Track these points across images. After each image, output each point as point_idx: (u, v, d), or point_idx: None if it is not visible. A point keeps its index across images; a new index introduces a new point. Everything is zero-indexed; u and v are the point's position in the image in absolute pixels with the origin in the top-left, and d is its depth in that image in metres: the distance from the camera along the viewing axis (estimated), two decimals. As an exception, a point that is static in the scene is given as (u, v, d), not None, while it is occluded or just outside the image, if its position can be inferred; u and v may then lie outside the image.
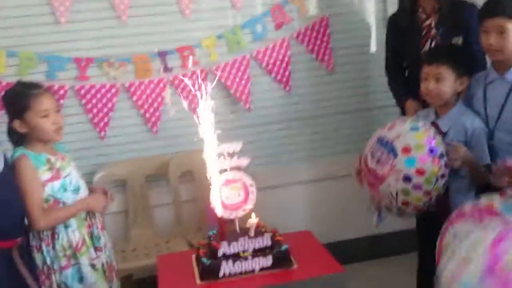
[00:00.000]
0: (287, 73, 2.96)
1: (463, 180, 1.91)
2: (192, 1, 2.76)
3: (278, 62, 2.93)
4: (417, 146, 1.82)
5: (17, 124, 1.88)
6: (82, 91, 2.67)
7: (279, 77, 2.95)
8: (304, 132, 3.04)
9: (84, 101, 2.67)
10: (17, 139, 1.92)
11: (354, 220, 3.00)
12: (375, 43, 2.98)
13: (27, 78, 2.31)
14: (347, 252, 2.66)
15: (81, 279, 1.93)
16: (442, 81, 1.95)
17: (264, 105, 2.96)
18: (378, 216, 2.00)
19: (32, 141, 1.91)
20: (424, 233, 2.20)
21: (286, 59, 2.94)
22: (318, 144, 3.07)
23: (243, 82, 2.88)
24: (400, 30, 2.44)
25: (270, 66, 2.93)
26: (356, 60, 3.05)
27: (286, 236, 1.94)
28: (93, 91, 2.68)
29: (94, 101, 2.68)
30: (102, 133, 2.72)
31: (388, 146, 1.86)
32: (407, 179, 1.80)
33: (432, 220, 2.00)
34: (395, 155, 1.83)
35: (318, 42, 2.98)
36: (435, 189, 1.82)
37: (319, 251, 1.99)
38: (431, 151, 1.81)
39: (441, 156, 1.82)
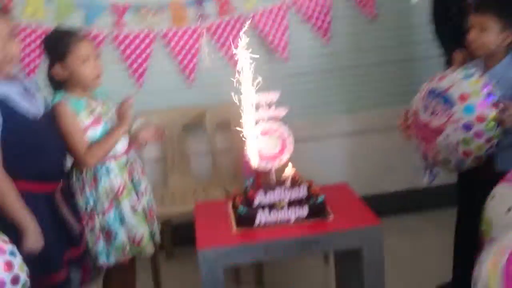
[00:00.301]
0: (326, 21, 2.86)
1: (508, 137, 1.84)
2: None
3: (317, 10, 2.83)
4: (474, 92, 1.74)
5: (57, 68, 1.90)
6: (119, 38, 2.66)
7: (318, 25, 2.86)
8: (343, 83, 2.97)
9: (121, 48, 2.67)
10: (57, 84, 1.94)
11: (392, 173, 2.97)
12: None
13: (64, 24, 2.31)
14: (384, 204, 2.65)
15: (122, 221, 1.98)
16: (486, 31, 1.86)
17: (301, 55, 2.89)
18: (430, 172, 1.95)
19: (71, 86, 1.93)
20: (464, 190, 2.15)
21: (325, 7, 2.83)
22: (358, 96, 3.00)
23: (281, 30, 2.81)
24: None
25: (309, 14, 2.84)
26: (399, 8, 2.93)
27: (323, 188, 1.93)
28: (130, 38, 2.67)
29: (131, 47, 2.68)
30: (140, 80, 2.73)
31: (442, 97, 1.80)
32: (467, 127, 1.74)
33: (473, 177, 1.96)
34: (452, 104, 1.76)
35: (361, -12, 2.86)
36: (496, 135, 1.75)
37: (356, 203, 1.98)
38: (489, 96, 1.74)
39: (498, 102, 1.75)
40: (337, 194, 2.00)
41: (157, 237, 2.13)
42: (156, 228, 2.12)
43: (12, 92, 1.69)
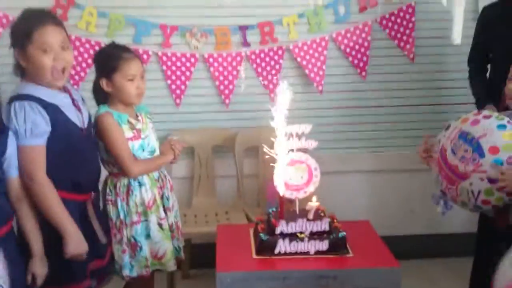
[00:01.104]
0: (364, 58, 2.90)
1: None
2: (279, -23, 2.77)
3: (357, 46, 2.88)
4: (505, 146, 1.74)
5: (103, 82, 1.99)
6: (164, 58, 2.77)
7: (356, 61, 2.91)
8: (375, 121, 2.99)
9: (164, 67, 2.77)
10: (101, 97, 2.03)
11: (414, 216, 2.95)
12: (461, 36, 2.83)
13: (115, 40, 2.42)
14: (404, 247, 2.62)
15: (148, 236, 2.03)
16: None
17: (336, 89, 2.93)
18: (445, 205, 1.95)
19: (115, 101, 2.02)
20: (482, 238, 2.13)
21: (365, 43, 2.89)
22: (387, 134, 3.01)
23: (319, 63, 2.87)
24: (491, 22, 2.32)
25: (348, 49, 2.89)
26: (438, 52, 2.95)
27: (345, 224, 1.94)
28: (173, 59, 2.77)
29: (173, 68, 2.78)
30: (178, 100, 2.82)
31: (473, 144, 1.80)
32: (492, 180, 1.74)
33: (492, 225, 1.94)
34: (482, 154, 1.77)
35: (402, 29, 2.90)
36: None
37: (376, 242, 1.99)
38: None
39: None
40: (358, 231, 2.01)
41: (181, 254, 2.17)
42: (181, 244, 2.17)
43: (63, 103, 1.78)
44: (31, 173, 1.69)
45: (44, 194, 1.71)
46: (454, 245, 2.88)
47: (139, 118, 2.08)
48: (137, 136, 2.02)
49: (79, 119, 1.83)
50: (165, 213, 2.08)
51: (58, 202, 1.73)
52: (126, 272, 2.00)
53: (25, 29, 1.69)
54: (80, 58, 2.69)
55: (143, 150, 2.04)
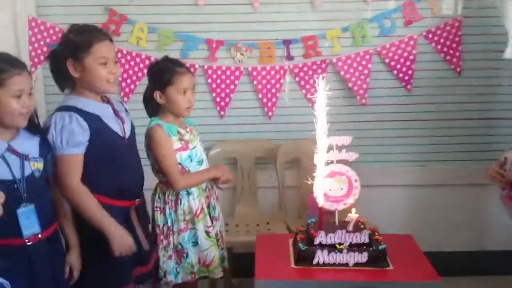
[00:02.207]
0: (410, 71, 2.88)
1: None
2: (325, -8, 2.80)
3: (402, 60, 2.87)
4: None
5: (157, 95, 2.08)
6: (210, 71, 2.86)
7: (401, 74, 2.89)
8: (419, 135, 2.95)
9: (210, 80, 2.86)
10: (153, 108, 2.13)
11: (458, 232, 2.86)
12: (511, 50, 2.77)
13: (164, 54, 2.53)
14: (447, 263, 2.56)
15: (195, 244, 2.09)
16: None
17: (380, 102, 2.92)
18: None
19: (165, 112, 2.11)
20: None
21: (411, 57, 2.87)
22: (432, 148, 2.96)
23: (363, 76, 2.87)
24: None
25: (393, 63, 2.88)
26: (487, 66, 2.88)
27: (386, 237, 1.93)
28: (219, 72, 2.85)
29: (218, 81, 2.86)
30: (222, 112, 2.90)
31: None
32: None
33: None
34: None
35: (448, 43, 2.86)
36: None
37: (418, 256, 1.96)
38: None
39: None
40: (400, 245, 1.99)
41: (225, 263, 2.21)
42: (225, 254, 2.21)
43: (104, 113, 1.87)
44: (64, 180, 1.78)
45: (79, 198, 1.79)
46: (500, 262, 2.78)
47: (187, 129, 2.15)
48: (185, 147, 2.09)
49: (121, 128, 1.91)
50: (211, 222, 2.13)
51: (94, 204, 1.81)
52: (170, 278, 2.06)
53: (85, 41, 1.80)
54: (131, 72, 2.82)
55: (191, 160, 2.11)
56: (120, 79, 2.78)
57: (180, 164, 2.08)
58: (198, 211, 2.08)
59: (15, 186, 1.59)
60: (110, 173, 1.86)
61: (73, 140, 1.77)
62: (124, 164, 1.91)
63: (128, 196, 1.93)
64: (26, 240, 1.61)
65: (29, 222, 1.61)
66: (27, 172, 1.63)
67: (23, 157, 1.63)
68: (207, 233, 2.10)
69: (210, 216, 2.13)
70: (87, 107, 1.83)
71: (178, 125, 2.12)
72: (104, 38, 1.83)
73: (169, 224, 2.07)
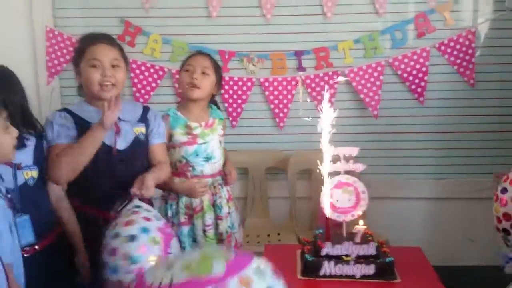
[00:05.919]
0: (422, 83, 2.87)
1: None
2: (336, 4, 2.81)
3: (414, 72, 2.86)
4: None
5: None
6: (222, 82, 2.88)
7: (413, 86, 2.88)
8: (432, 147, 2.93)
9: (222, 91, 2.89)
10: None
11: (473, 246, 2.82)
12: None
13: (177, 65, 2.57)
14: (461, 278, 2.53)
15: (194, 239, 2.12)
16: None
17: (392, 114, 2.91)
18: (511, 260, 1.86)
19: (185, 102, 2.17)
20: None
21: (423, 69, 2.86)
22: (445, 161, 2.93)
23: (374, 88, 2.87)
24: None
25: (405, 75, 2.87)
26: (500, 78, 2.86)
27: (395, 249, 1.91)
28: (231, 83, 2.88)
29: (230, 92, 2.89)
30: (234, 122, 2.92)
31: None
32: None
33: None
34: None
35: (461, 55, 2.84)
36: None
37: (426, 270, 1.93)
38: None
39: None
40: (408, 258, 1.97)
41: None
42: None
43: (95, 121, 1.81)
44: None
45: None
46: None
47: (204, 122, 2.15)
48: (192, 141, 2.11)
49: (111, 139, 1.83)
50: (215, 221, 2.13)
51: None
52: None
53: (79, 47, 1.86)
54: (145, 82, 2.87)
55: (197, 155, 2.12)
56: (134, 89, 2.85)
57: (185, 158, 2.10)
58: (198, 208, 2.10)
59: (9, 196, 1.53)
60: (83, 177, 1.79)
61: (63, 132, 1.78)
62: (101, 174, 1.82)
63: (99, 206, 1.82)
64: (23, 252, 1.54)
65: (23, 233, 1.56)
66: (20, 181, 1.61)
67: (16, 167, 1.61)
68: (204, 232, 2.11)
69: (215, 216, 2.14)
70: (80, 112, 1.86)
71: (194, 117, 2.13)
72: (99, 42, 1.83)
73: (169, 215, 2.10)
